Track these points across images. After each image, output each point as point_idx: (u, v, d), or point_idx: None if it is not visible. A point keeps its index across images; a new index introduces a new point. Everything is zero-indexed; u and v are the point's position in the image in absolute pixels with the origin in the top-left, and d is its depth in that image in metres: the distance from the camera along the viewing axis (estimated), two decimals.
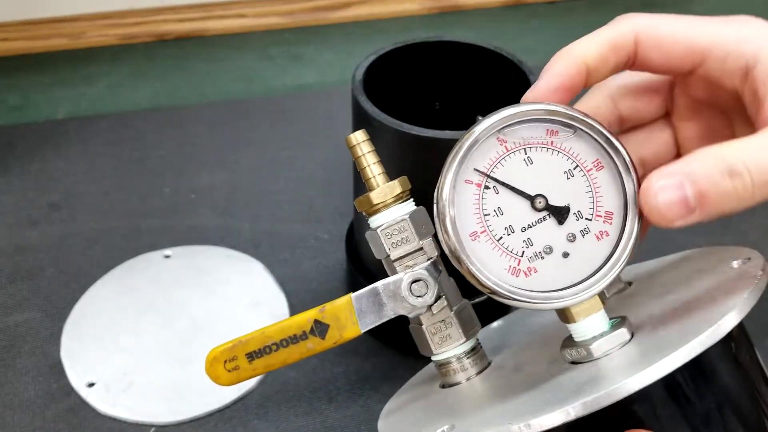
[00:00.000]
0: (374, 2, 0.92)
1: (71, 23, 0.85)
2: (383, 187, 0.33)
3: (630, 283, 0.37)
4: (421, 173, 0.35)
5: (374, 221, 0.33)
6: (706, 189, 0.26)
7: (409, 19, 0.93)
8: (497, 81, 0.48)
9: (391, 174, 0.43)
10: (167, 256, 0.59)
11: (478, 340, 0.34)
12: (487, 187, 0.30)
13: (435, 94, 0.51)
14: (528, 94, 0.32)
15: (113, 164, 0.68)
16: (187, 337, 0.53)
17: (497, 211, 0.30)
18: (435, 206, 0.30)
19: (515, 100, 0.45)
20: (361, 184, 0.48)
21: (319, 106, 0.76)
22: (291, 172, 0.68)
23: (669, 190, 0.27)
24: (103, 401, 0.49)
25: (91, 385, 0.50)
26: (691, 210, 0.27)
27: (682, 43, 0.29)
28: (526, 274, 0.29)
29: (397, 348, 0.53)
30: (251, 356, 0.31)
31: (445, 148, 0.40)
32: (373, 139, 0.43)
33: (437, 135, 0.41)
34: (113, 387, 0.50)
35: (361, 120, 0.44)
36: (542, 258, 0.30)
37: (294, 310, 0.56)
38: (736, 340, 0.29)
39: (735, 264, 0.31)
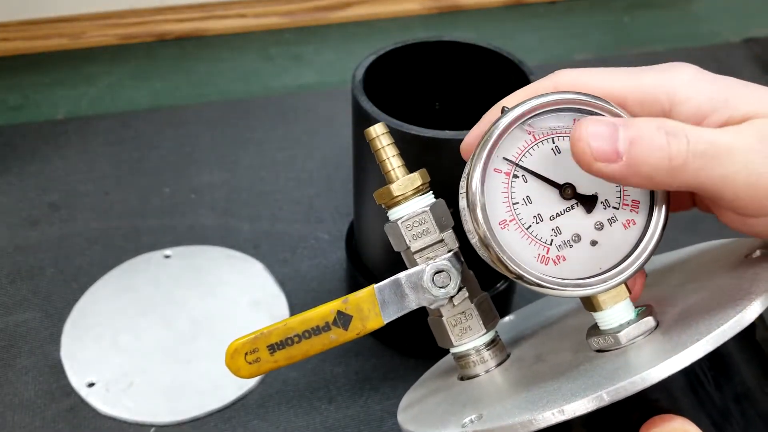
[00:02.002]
0: (374, 2, 0.92)
1: (71, 23, 0.85)
2: (403, 180, 0.33)
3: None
4: None
5: (394, 213, 0.33)
6: (637, 135, 0.27)
7: (409, 19, 0.93)
8: (497, 81, 0.48)
9: None
10: (167, 256, 0.59)
11: (497, 332, 0.34)
12: (515, 176, 0.30)
13: (435, 94, 0.51)
14: (465, 139, 0.33)
15: (113, 164, 0.68)
16: (187, 337, 0.53)
17: (526, 200, 0.30)
18: (464, 195, 0.30)
19: None
20: (361, 183, 0.48)
21: (319, 106, 0.76)
22: (291, 172, 0.68)
23: (601, 125, 0.27)
24: (103, 401, 0.49)
25: (91, 385, 0.50)
26: (616, 154, 0.27)
27: (599, 92, 0.30)
28: (555, 262, 0.30)
29: (397, 349, 0.53)
30: (273, 348, 0.31)
31: (445, 148, 0.40)
32: None
33: (437, 135, 0.41)
34: (113, 387, 0.50)
35: (361, 120, 0.44)
36: (570, 246, 0.30)
37: (294, 310, 0.56)
38: (760, 327, 0.29)
39: (757, 253, 0.31)
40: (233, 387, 0.50)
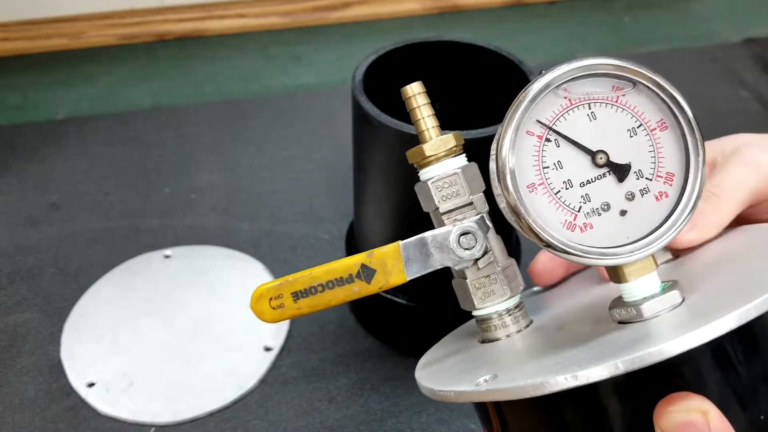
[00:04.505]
0: (374, 2, 0.92)
1: (71, 23, 0.85)
2: (436, 140, 0.33)
3: (677, 255, 0.37)
4: None
5: (425, 173, 0.33)
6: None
7: (409, 19, 0.93)
8: (497, 81, 0.48)
9: (391, 174, 0.44)
10: (167, 256, 0.59)
11: (521, 299, 0.34)
12: (548, 140, 0.29)
13: (435, 94, 0.51)
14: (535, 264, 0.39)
15: (113, 164, 0.68)
16: (187, 337, 0.53)
17: (557, 165, 0.29)
18: (494, 158, 0.30)
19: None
20: (361, 183, 0.48)
21: (319, 106, 0.76)
22: (291, 172, 0.68)
23: None
24: (103, 401, 0.49)
25: (91, 385, 0.50)
26: (691, 228, 0.34)
27: None
28: (581, 229, 0.29)
29: (397, 348, 0.53)
30: (297, 295, 0.32)
31: None
32: (373, 138, 0.43)
33: None
34: (113, 387, 0.50)
35: (361, 120, 0.44)
36: (599, 214, 0.30)
37: None
38: None
39: None
40: (233, 387, 0.50)
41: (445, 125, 0.43)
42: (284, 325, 0.54)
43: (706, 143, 0.34)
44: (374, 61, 0.46)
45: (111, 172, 0.68)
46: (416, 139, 0.41)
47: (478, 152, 0.36)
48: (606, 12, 0.96)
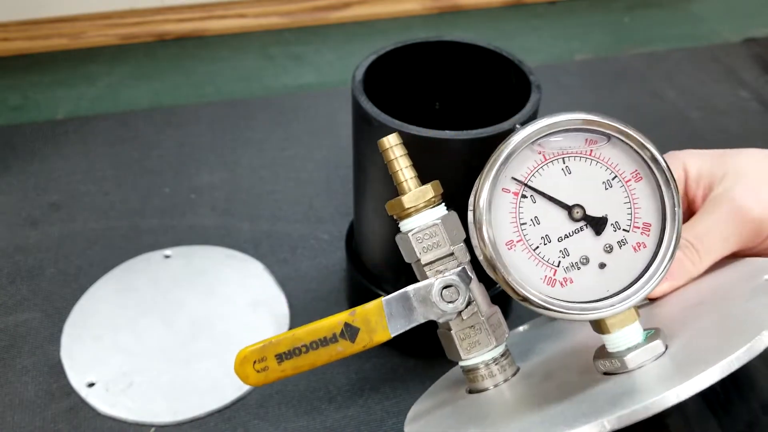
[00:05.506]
0: (374, 2, 0.92)
1: (71, 23, 0.85)
2: (415, 192, 0.33)
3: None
4: (421, 173, 0.36)
5: (405, 225, 0.33)
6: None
7: (409, 19, 0.93)
8: (497, 81, 0.48)
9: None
10: (167, 256, 0.59)
11: (506, 346, 0.34)
12: (524, 196, 0.30)
13: (435, 94, 0.51)
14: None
15: (113, 164, 0.68)
16: (187, 337, 0.53)
17: (534, 221, 0.30)
18: (471, 214, 0.30)
19: (515, 100, 0.45)
20: (361, 183, 0.48)
21: (319, 106, 0.76)
22: (291, 172, 0.68)
23: None
24: (103, 401, 0.49)
25: (91, 385, 0.50)
26: (665, 279, 0.32)
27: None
28: (562, 284, 0.29)
29: (397, 349, 0.53)
30: (281, 357, 0.32)
31: (445, 148, 0.40)
32: (373, 139, 0.43)
33: (437, 135, 0.41)
34: (113, 387, 0.50)
35: (361, 120, 0.44)
36: (578, 268, 0.30)
37: (294, 310, 0.56)
38: None
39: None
40: (233, 387, 0.50)
41: (445, 125, 0.43)
42: (285, 325, 0.54)
43: (710, 151, 0.33)
44: (374, 61, 0.46)
45: (111, 172, 0.68)
46: (416, 140, 0.41)
47: (478, 153, 0.36)
48: (606, 12, 0.96)
